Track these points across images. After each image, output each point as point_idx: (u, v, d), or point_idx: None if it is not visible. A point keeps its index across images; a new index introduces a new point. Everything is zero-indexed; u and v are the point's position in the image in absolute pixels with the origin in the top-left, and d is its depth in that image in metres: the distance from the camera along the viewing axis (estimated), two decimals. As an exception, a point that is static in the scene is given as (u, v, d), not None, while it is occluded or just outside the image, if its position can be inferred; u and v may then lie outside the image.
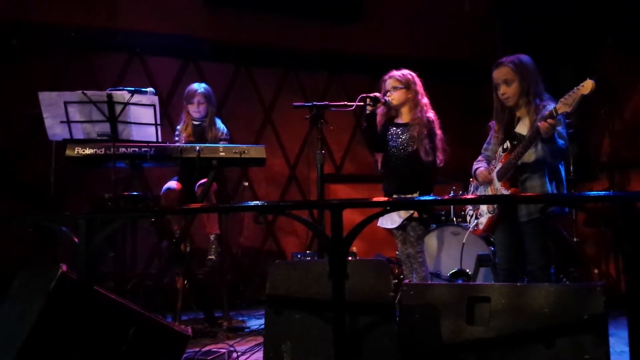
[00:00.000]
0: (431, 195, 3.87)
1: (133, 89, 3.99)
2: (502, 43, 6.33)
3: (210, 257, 4.62)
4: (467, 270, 4.70)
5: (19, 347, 2.54)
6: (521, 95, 3.36)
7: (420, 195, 3.78)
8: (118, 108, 3.88)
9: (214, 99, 4.91)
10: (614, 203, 2.23)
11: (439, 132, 3.91)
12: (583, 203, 3.10)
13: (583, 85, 2.93)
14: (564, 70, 5.72)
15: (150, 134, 4.01)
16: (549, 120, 3.01)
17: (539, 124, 3.05)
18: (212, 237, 4.68)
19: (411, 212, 3.77)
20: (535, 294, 2.42)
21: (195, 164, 4.14)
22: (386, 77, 3.98)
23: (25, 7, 5.53)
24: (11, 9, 5.45)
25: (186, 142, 4.71)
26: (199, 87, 4.89)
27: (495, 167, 3.44)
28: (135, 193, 4.89)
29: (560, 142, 3.15)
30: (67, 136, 3.98)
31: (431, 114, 3.92)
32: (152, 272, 5.46)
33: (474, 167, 3.62)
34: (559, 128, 3.15)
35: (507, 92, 3.37)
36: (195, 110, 4.79)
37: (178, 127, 4.95)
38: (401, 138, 3.88)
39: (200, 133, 4.81)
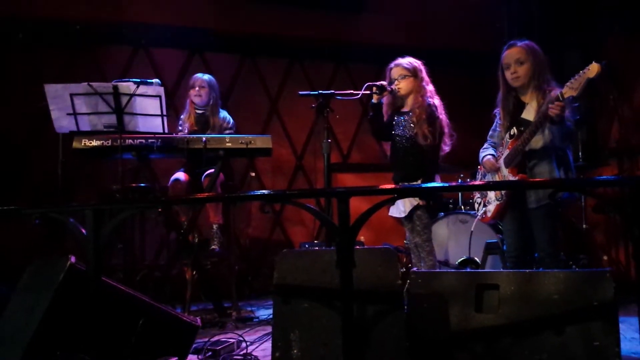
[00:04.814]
0: (435, 180, 3.83)
1: (139, 80, 3.99)
2: (508, 30, 6.28)
3: (213, 247, 4.63)
4: (476, 258, 4.69)
5: (29, 339, 2.56)
6: (532, 78, 3.34)
7: (423, 182, 3.74)
8: (124, 99, 3.88)
9: (216, 88, 4.90)
10: (624, 189, 2.21)
11: (442, 116, 3.84)
12: (593, 188, 3.08)
13: (589, 69, 2.90)
14: (571, 59, 5.67)
15: (156, 125, 4.02)
16: (557, 103, 2.99)
17: (548, 106, 3.03)
18: (214, 227, 4.69)
19: (416, 201, 3.75)
20: (545, 281, 2.40)
21: (202, 154, 4.14)
22: (392, 65, 3.94)
23: (31, 2, 5.53)
24: (17, 3, 5.46)
25: (190, 131, 4.71)
26: (202, 75, 4.92)
27: (502, 154, 3.42)
28: (142, 184, 4.90)
29: (568, 124, 3.14)
30: (74, 128, 3.98)
31: (435, 100, 3.87)
32: (160, 263, 5.49)
33: (481, 155, 3.60)
34: (566, 111, 3.13)
35: (519, 71, 3.34)
36: (197, 94, 4.79)
37: (182, 116, 4.95)
38: (404, 125, 3.86)
39: (203, 122, 4.81)
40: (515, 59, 3.36)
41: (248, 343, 3.43)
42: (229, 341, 3.42)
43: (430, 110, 3.80)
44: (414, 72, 3.88)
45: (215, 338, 3.54)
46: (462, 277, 2.64)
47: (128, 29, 5.88)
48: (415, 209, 3.77)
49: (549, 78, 3.35)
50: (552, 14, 6.01)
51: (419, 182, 3.74)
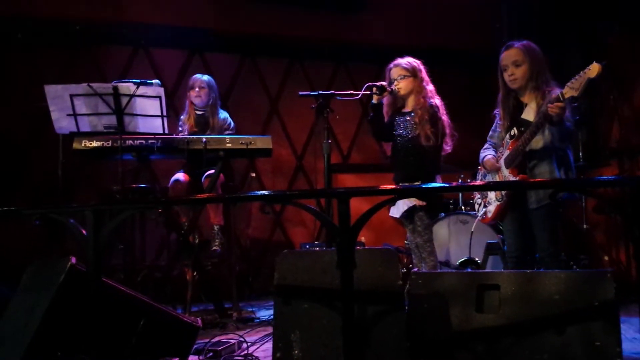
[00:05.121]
0: (435, 180, 3.83)
1: (139, 80, 3.99)
2: (508, 30, 6.28)
3: (214, 248, 4.64)
4: (476, 259, 4.69)
5: (30, 339, 2.55)
6: (530, 79, 3.33)
7: (423, 182, 3.73)
8: (124, 100, 3.88)
9: (215, 88, 4.91)
10: (624, 189, 2.21)
11: (444, 117, 3.84)
12: (593, 188, 3.08)
13: (590, 69, 2.89)
14: (572, 58, 5.67)
15: (156, 125, 4.02)
16: (557, 103, 2.98)
17: (548, 106, 3.02)
18: (215, 227, 4.69)
19: (411, 202, 3.74)
20: (545, 281, 2.40)
21: (202, 155, 4.14)
22: (391, 65, 3.93)
23: (31, 2, 5.53)
24: (17, 3, 5.46)
25: (190, 132, 4.72)
26: (201, 75, 4.93)
27: (502, 155, 3.42)
28: (142, 185, 4.91)
29: (568, 124, 3.13)
30: (74, 129, 3.99)
31: (436, 100, 3.87)
32: (161, 263, 5.49)
33: (481, 155, 3.59)
34: (566, 111, 3.12)
35: (516, 73, 3.33)
36: (196, 95, 4.80)
37: (182, 117, 4.96)
38: (406, 126, 3.85)
39: (203, 123, 4.82)
40: (512, 61, 3.35)
41: (249, 344, 3.43)
42: (230, 342, 3.42)
43: (433, 111, 3.80)
44: (413, 72, 3.87)
45: (216, 339, 3.54)
46: (462, 277, 2.64)
47: (128, 29, 5.87)
48: (416, 209, 3.76)
49: (548, 78, 3.34)
50: (552, 13, 6.01)
51: (419, 182, 3.74)
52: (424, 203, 3.74)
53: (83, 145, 4.11)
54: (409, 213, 3.81)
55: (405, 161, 3.84)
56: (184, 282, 4.48)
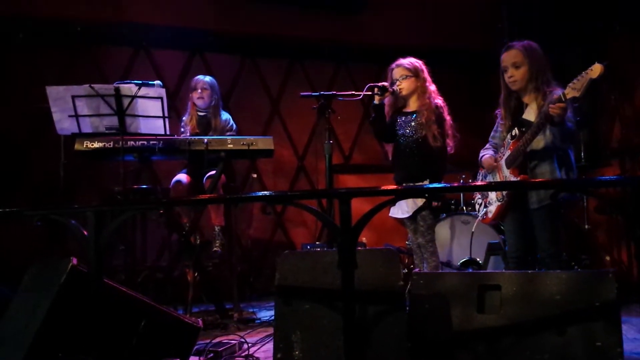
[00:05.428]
0: (441, 182, 3.83)
1: (140, 82, 3.99)
2: (509, 30, 6.28)
3: (215, 248, 4.64)
4: (478, 259, 4.69)
5: (31, 340, 2.56)
6: (530, 80, 3.32)
7: (430, 182, 3.74)
8: (126, 101, 3.89)
9: (217, 90, 4.91)
10: (625, 189, 2.21)
11: (448, 118, 3.86)
12: (594, 188, 3.07)
13: (592, 70, 2.89)
14: (573, 58, 5.67)
15: (158, 126, 4.02)
16: (559, 104, 2.98)
17: (550, 107, 3.01)
18: (216, 228, 4.70)
19: (422, 201, 3.74)
20: (547, 281, 2.40)
21: (204, 156, 4.14)
22: (393, 65, 3.94)
23: (31, 2, 5.54)
24: (17, 3, 5.46)
25: (192, 134, 4.72)
26: (203, 77, 4.92)
27: (503, 155, 3.42)
28: (144, 186, 4.91)
29: (569, 124, 3.13)
30: (76, 130, 3.99)
31: (439, 100, 3.88)
32: (162, 264, 5.49)
33: (481, 154, 3.60)
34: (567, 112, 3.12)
35: (515, 75, 3.33)
36: (199, 96, 4.79)
37: (184, 118, 4.95)
38: (410, 126, 3.85)
39: (205, 124, 4.82)
40: (511, 62, 3.34)
41: (250, 344, 3.42)
42: (231, 343, 3.41)
43: (439, 111, 3.82)
44: (415, 72, 3.88)
45: (217, 339, 3.54)
46: (464, 277, 2.64)
47: (128, 29, 5.88)
48: (420, 209, 3.76)
49: (549, 79, 3.33)
50: (553, 13, 6.01)
51: (426, 182, 3.74)
52: (438, 203, 3.76)
53: (85, 146, 4.11)
54: (412, 213, 3.81)
55: (408, 161, 3.84)
56: (185, 282, 4.48)
